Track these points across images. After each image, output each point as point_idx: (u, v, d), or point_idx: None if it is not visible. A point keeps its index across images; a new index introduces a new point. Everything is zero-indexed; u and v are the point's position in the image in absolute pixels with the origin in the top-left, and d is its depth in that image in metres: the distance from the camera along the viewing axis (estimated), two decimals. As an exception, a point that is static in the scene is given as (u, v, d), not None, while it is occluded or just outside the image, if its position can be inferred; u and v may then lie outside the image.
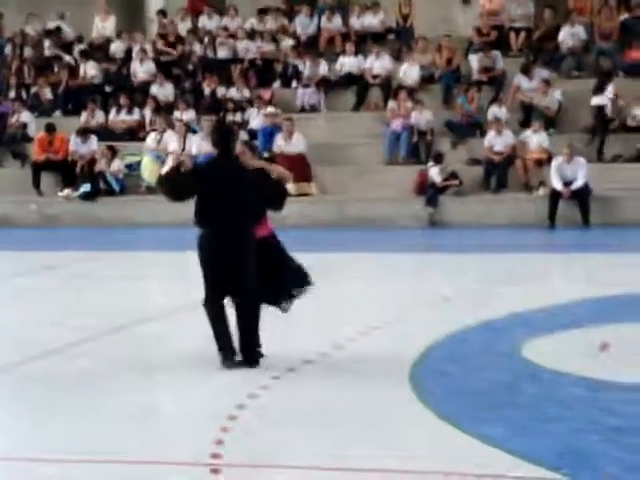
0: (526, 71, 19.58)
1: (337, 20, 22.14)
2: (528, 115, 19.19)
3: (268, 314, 8.39)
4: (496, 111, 19.06)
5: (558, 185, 17.21)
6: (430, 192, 17.91)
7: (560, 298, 10.79)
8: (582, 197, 17.17)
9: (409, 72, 20.36)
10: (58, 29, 23.33)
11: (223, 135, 8.25)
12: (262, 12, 22.83)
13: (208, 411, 7.09)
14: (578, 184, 17.15)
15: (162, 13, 23.38)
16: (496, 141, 18.49)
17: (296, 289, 8.51)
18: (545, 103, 19.08)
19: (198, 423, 6.84)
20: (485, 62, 20.20)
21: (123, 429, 6.77)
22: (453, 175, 18.15)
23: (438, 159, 18.25)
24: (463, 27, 22.03)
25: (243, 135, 17.92)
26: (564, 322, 9.68)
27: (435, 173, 18.07)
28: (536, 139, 18.34)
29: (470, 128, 19.35)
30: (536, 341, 8.93)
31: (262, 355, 8.25)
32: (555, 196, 17.21)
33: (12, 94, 21.86)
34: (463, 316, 10.02)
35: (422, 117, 19.23)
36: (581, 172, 17.26)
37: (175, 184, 8.25)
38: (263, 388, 7.60)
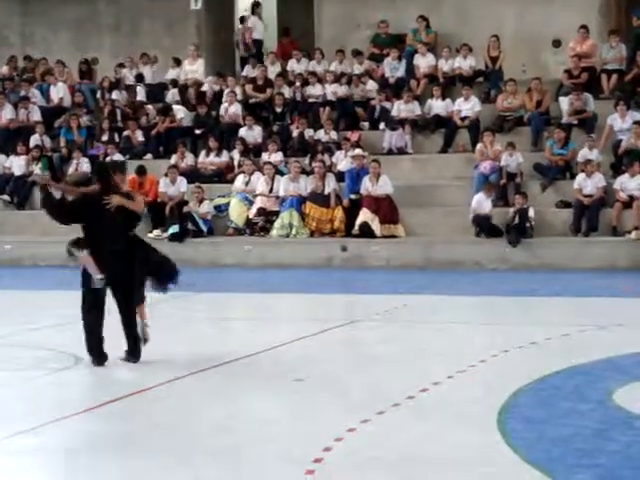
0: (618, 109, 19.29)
1: (425, 63, 22.12)
2: (620, 157, 18.91)
3: (345, 364, 8.30)
4: (587, 153, 18.81)
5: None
6: (510, 231, 17.84)
7: (653, 344, 10.56)
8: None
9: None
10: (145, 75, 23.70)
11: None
12: (355, 54, 22.89)
13: (294, 453, 7.05)
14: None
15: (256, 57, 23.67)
16: (586, 183, 18.25)
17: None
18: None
19: (283, 464, 6.80)
20: (576, 104, 19.98)
21: (207, 470, 6.75)
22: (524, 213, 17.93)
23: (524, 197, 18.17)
24: (553, 69, 21.86)
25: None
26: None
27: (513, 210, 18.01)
28: (634, 183, 18.03)
29: (560, 170, 19.13)
30: (628, 387, 8.73)
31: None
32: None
33: (105, 137, 22.23)
34: (552, 361, 9.85)
35: (512, 159, 19.06)
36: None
37: None
38: (350, 431, 7.53)
